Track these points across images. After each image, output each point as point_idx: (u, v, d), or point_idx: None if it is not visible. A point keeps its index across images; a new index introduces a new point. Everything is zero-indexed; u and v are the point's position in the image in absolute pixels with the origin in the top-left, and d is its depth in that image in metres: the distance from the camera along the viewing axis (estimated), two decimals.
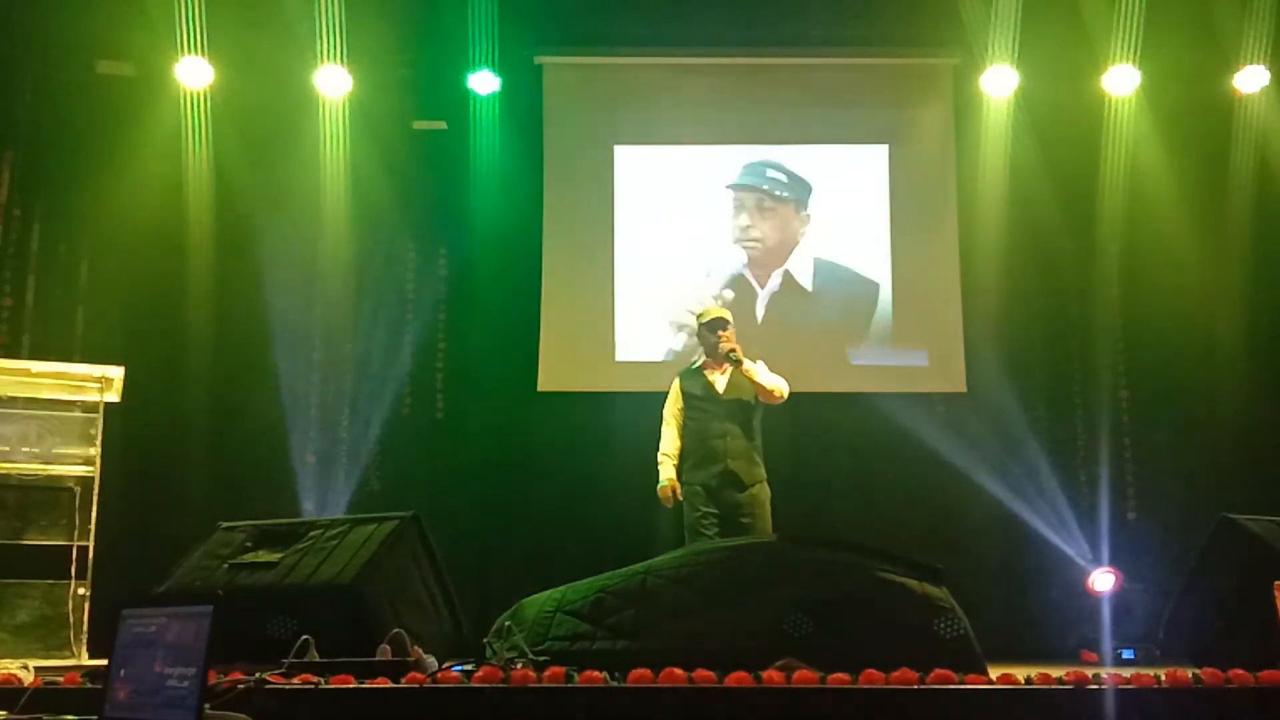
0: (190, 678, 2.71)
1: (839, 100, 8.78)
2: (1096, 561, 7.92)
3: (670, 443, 6.28)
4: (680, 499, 6.21)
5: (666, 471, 6.22)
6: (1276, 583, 4.04)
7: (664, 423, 6.35)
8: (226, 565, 5.02)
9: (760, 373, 6.18)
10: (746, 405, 6.20)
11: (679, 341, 8.42)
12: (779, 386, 6.17)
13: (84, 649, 5.52)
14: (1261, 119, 8.18)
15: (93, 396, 5.80)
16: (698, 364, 6.41)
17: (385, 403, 8.51)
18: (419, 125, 8.69)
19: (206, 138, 8.14)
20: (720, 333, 6.27)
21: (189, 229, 8.15)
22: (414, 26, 8.36)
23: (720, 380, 6.24)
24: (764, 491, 6.17)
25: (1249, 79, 8.14)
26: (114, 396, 5.89)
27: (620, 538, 7.40)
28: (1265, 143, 8.16)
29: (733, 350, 6.19)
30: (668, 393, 6.46)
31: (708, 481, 6.12)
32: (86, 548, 5.64)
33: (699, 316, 6.52)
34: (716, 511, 6.08)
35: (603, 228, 8.63)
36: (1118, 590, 7.59)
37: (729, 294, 8.37)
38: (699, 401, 6.24)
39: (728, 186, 8.63)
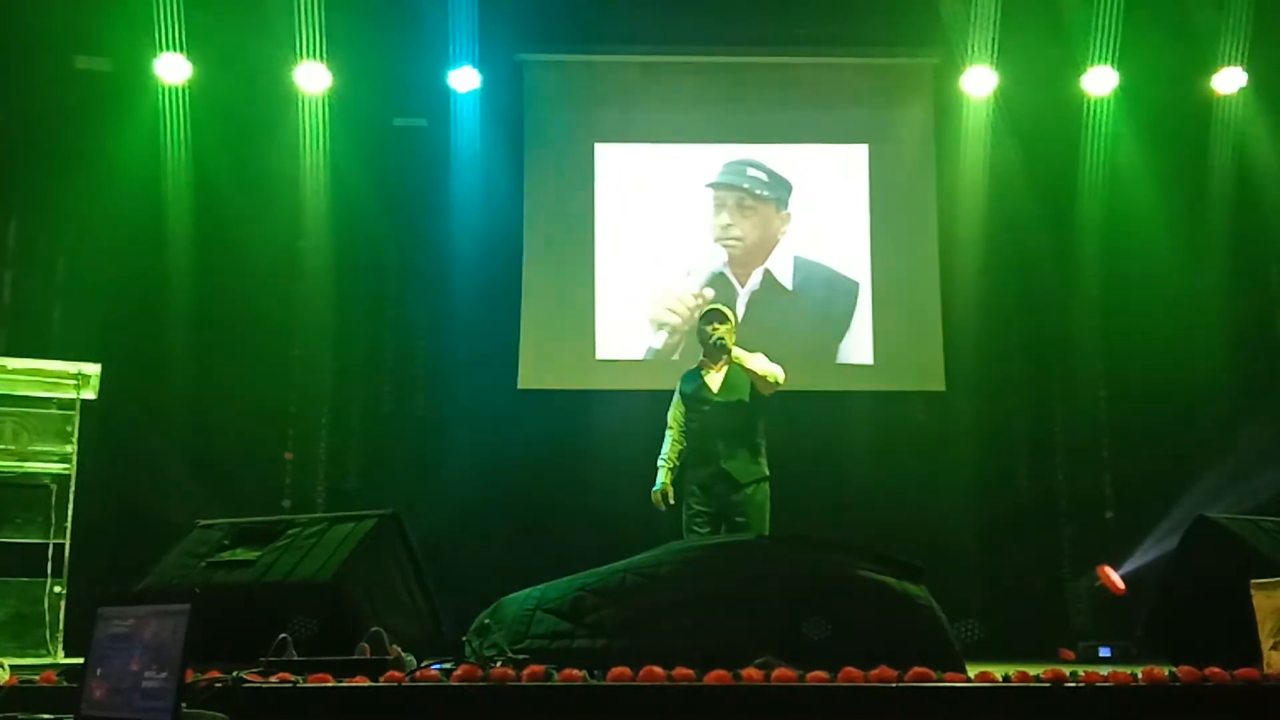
0: (167, 676, 2.70)
1: (819, 99, 8.80)
2: (1076, 561, 7.96)
3: (669, 447, 6.23)
4: (671, 504, 6.17)
5: (660, 477, 6.17)
6: (1253, 581, 4.06)
7: (667, 426, 6.30)
8: (204, 563, 5.00)
9: (750, 359, 6.09)
10: (743, 404, 6.10)
11: (659, 340, 8.42)
12: (771, 372, 6.07)
13: (60, 647, 5.50)
14: (1239, 120, 8.23)
15: (70, 394, 5.79)
16: (696, 365, 6.34)
17: (365, 400, 8.49)
18: (399, 122, 8.68)
19: (185, 134, 8.11)
20: (715, 324, 6.18)
21: (167, 225, 8.13)
22: (394, 23, 8.34)
23: (715, 379, 6.17)
24: (761, 492, 6.08)
25: (1227, 80, 8.19)
26: (91, 394, 5.88)
27: (600, 535, 7.39)
28: (1243, 143, 8.22)
29: (721, 339, 6.12)
30: (650, 391, 6.42)
31: (702, 481, 6.08)
32: (63, 545, 5.62)
33: (699, 313, 6.43)
34: (709, 510, 6.05)
35: (583, 226, 8.63)
36: (1116, 591, 7.57)
37: (709, 292, 8.37)
38: (695, 403, 6.18)
39: (708, 185, 8.64)
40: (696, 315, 6.50)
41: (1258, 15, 7.98)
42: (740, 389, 6.12)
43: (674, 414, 6.30)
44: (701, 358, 6.29)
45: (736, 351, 6.08)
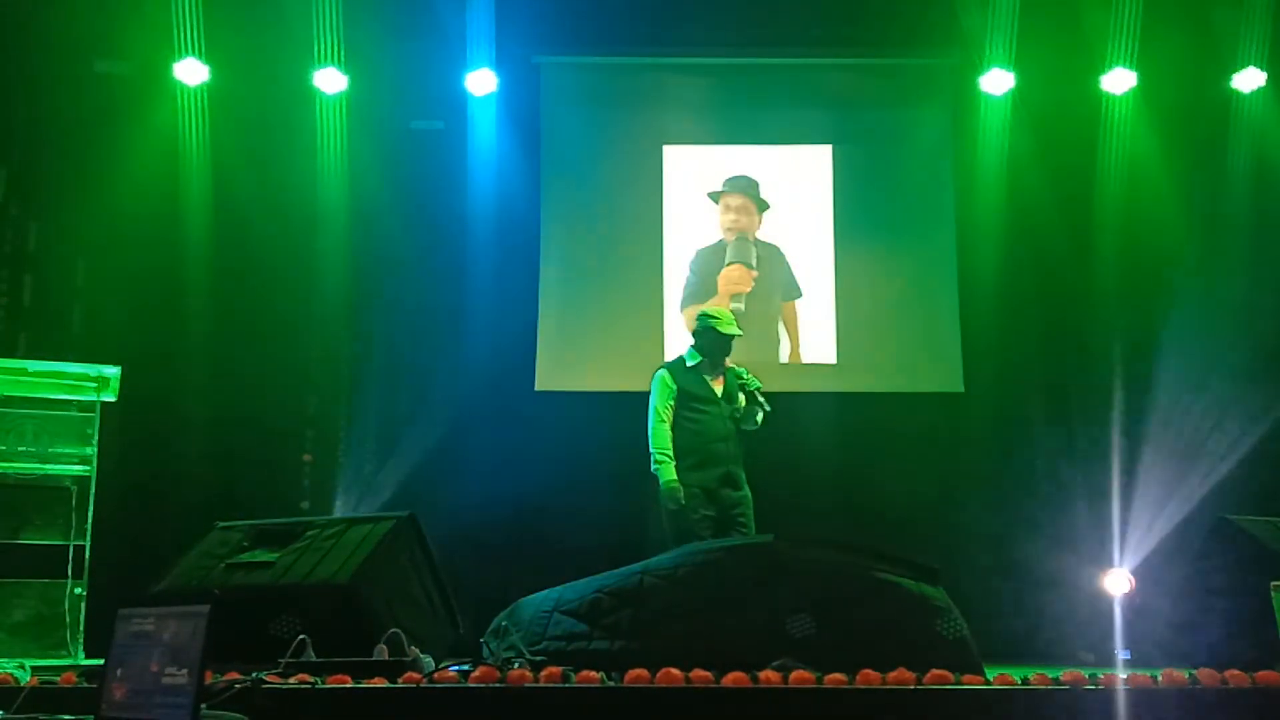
0: (187, 677, 2.71)
1: (836, 101, 8.78)
2: (1095, 563, 7.92)
3: (665, 439, 6.13)
4: (683, 503, 6.12)
5: (668, 472, 6.07)
6: (1274, 583, 4.05)
7: (657, 419, 6.17)
8: (223, 564, 5.01)
9: (763, 412, 6.18)
10: (736, 410, 6.22)
11: (676, 342, 8.41)
12: (765, 411, 6.20)
13: (80, 648, 5.53)
14: (1258, 119, 8.19)
15: (89, 396, 5.82)
16: (692, 364, 6.29)
17: (382, 401, 8.50)
18: (416, 125, 8.70)
19: (204, 136, 8.15)
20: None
21: (186, 228, 8.15)
22: (411, 26, 8.35)
23: (719, 383, 6.22)
24: (749, 492, 6.18)
25: (1246, 80, 8.15)
26: (111, 396, 5.90)
27: (617, 537, 7.40)
28: (1261, 143, 8.17)
29: (758, 392, 6.12)
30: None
31: (707, 484, 6.07)
32: (83, 547, 5.65)
33: (709, 315, 6.33)
34: (713, 514, 6.06)
35: (600, 227, 8.62)
36: (1131, 594, 7.54)
37: (731, 301, 8.36)
38: (699, 403, 6.16)
39: (724, 184, 8.62)
40: (694, 320, 6.44)
41: (1277, 14, 7.95)
42: (736, 395, 6.21)
43: (664, 406, 6.18)
44: (701, 358, 6.27)
45: (765, 407, 6.17)
